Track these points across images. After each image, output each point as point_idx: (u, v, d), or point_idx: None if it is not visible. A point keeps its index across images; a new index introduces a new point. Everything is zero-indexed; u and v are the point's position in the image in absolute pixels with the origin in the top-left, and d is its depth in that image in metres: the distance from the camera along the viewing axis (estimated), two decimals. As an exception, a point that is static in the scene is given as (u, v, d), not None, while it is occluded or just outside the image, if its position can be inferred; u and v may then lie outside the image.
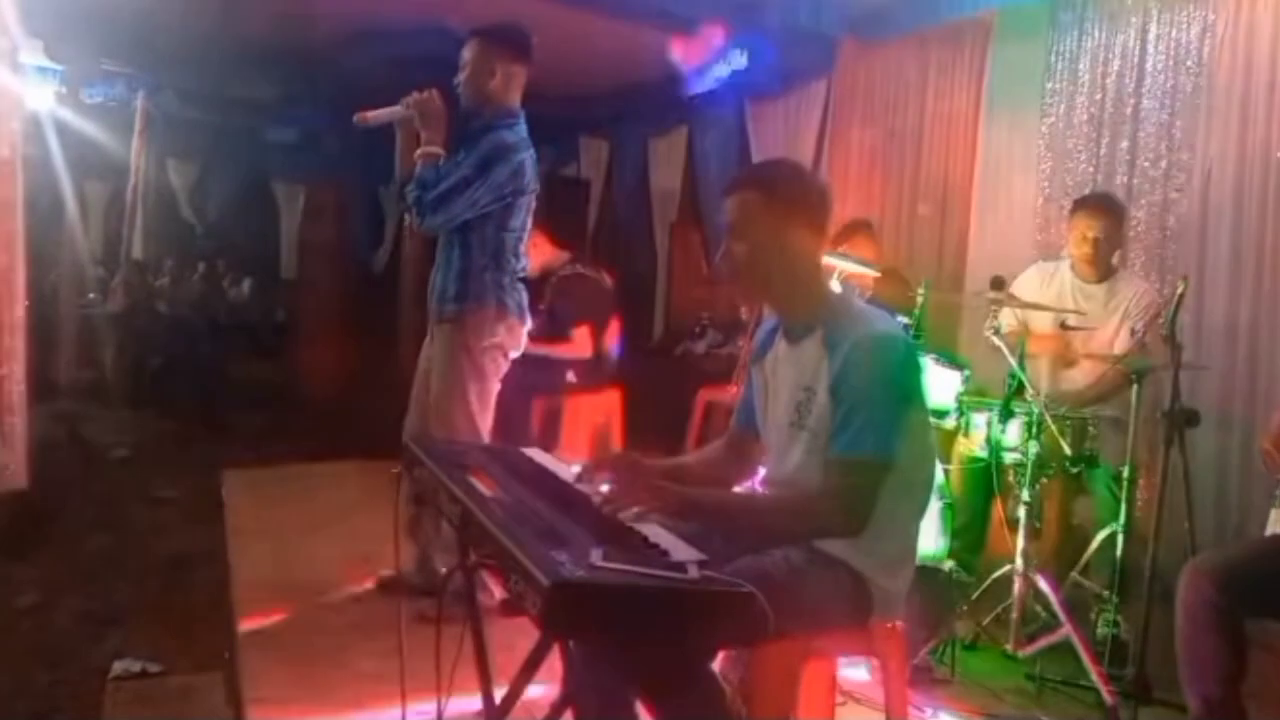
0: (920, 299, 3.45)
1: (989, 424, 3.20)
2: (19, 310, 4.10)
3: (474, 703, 1.97)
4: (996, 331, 3.18)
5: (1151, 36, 4.10)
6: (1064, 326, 3.37)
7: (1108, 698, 2.72)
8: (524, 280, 3.21)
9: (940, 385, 3.30)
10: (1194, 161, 3.91)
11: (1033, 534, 3.06)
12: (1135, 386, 2.92)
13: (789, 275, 1.90)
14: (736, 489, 2.21)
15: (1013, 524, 3.09)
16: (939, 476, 3.13)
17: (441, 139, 3.04)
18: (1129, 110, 4.18)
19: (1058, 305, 3.39)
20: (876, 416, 1.74)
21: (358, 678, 2.69)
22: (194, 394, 7.50)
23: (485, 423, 3.11)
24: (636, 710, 1.75)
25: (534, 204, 3.17)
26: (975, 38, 4.86)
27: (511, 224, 3.11)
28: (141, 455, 5.73)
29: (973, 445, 3.27)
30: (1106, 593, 3.09)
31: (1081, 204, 3.54)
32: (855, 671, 2.72)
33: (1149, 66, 4.11)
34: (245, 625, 3.08)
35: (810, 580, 1.75)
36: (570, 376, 4.49)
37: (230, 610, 3.23)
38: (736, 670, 1.77)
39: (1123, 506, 2.95)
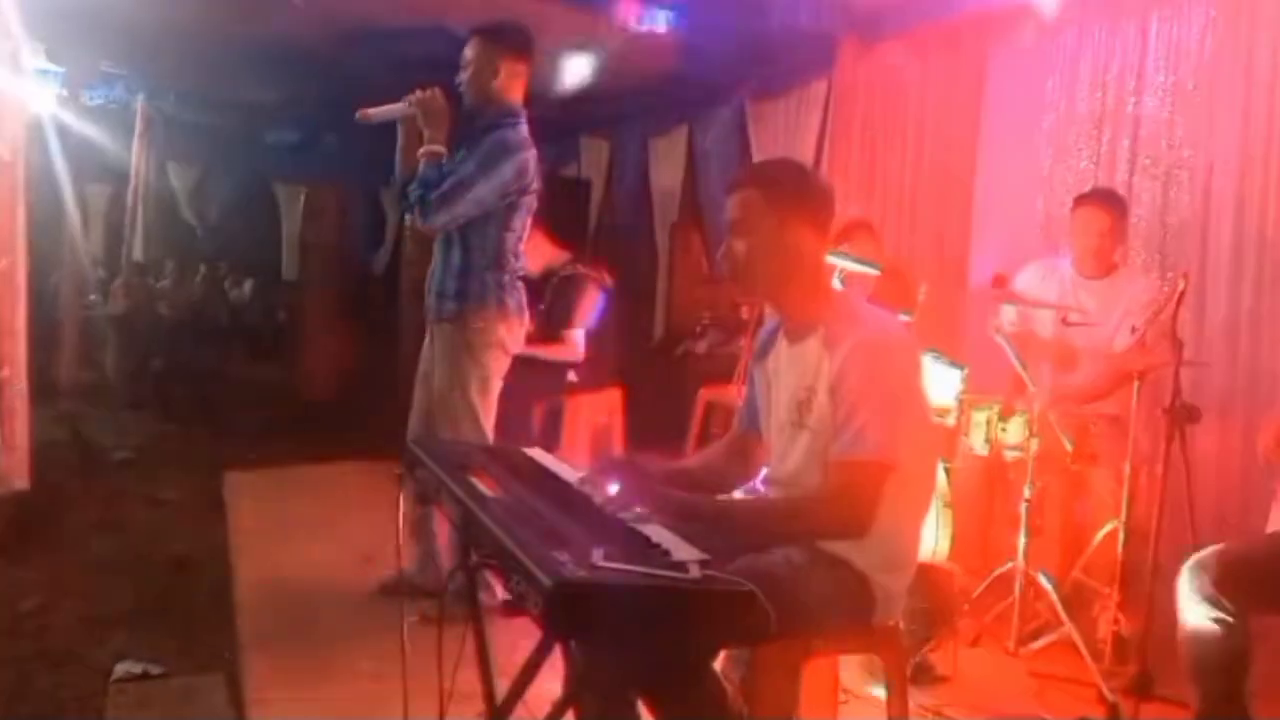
0: (921, 297, 3.46)
1: (989, 422, 3.20)
2: (20, 312, 4.11)
3: (476, 703, 1.98)
4: (999, 329, 3.19)
5: (1152, 33, 4.10)
6: (1065, 323, 3.37)
7: (1109, 695, 2.72)
8: (523, 279, 3.22)
9: (940, 384, 3.30)
10: (1195, 159, 3.91)
11: (1033, 532, 3.06)
12: (1136, 383, 2.92)
13: (790, 274, 1.90)
14: (738, 492, 2.21)
15: (1013, 522, 3.09)
16: (940, 476, 3.13)
17: (444, 137, 3.04)
18: (1129, 108, 4.18)
19: (1059, 303, 3.39)
20: (877, 418, 1.73)
21: (360, 678, 2.69)
22: (195, 395, 7.51)
23: (489, 420, 3.11)
24: (638, 710, 1.76)
25: (535, 204, 3.18)
26: (976, 36, 4.86)
27: (513, 223, 3.11)
28: (143, 457, 5.74)
29: (973, 444, 3.27)
30: (1108, 590, 3.09)
31: (1083, 200, 3.54)
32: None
33: (1149, 63, 4.10)
34: (247, 626, 3.09)
35: (812, 580, 1.76)
36: (571, 376, 4.50)
37: (232, 611, 3.24)
38: (738, 669, 1.77)
39: (1124, 503, 2.95)
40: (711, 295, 7.09)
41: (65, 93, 7.04)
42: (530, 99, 3.18)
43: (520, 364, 3.29)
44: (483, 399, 3.09)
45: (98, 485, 4.94)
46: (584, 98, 6.15)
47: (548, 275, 4.53)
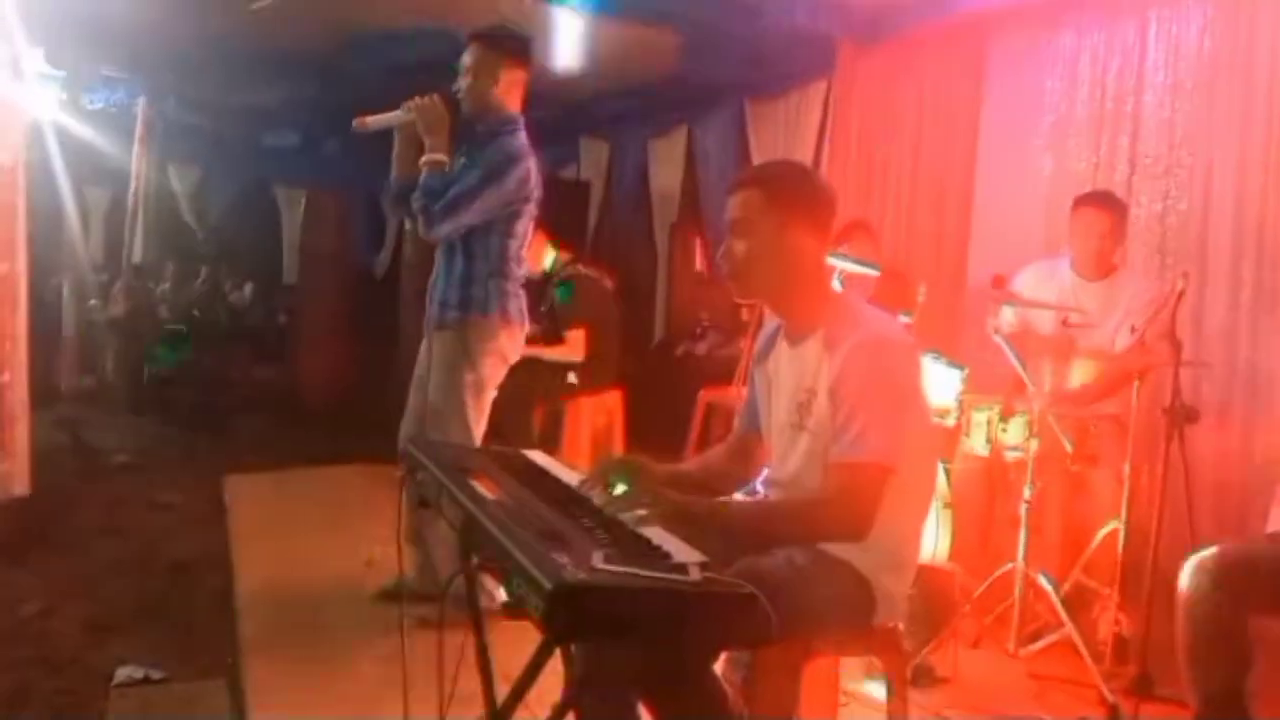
0: (920, 298, 3.46)
1: (989, 423, 3.20)
2: (21, 317, 4.11)
3: (476, 706, 1.98)
4: (998, 330, 3.19)
5: (1151, 33, 4.10)
6: (1065, 324, 3.37)
7: (1110, 696, 2.72)
8: (525, 284, 3.22)
9: (940, 384, 3.30)
10: (1195, 159, 3.91)
11: (1033, 532, 3.06)
12: (1136, 384, 2.93)
13: (790, 275, 1.89)
14: (739, 493, 2.21)
15: (1013, 523, 3.09)
16: (940, 476, 3.13)
17: (445, 145, 3.01)
18: (1129, 108, 4.18)
19: (1058, 303, 3.39)
20: (877, 420, 1.73)
21: (361, 682, 2.70)
22: (196, 399, 7.51)
23: (479, 429, 3.10)
24: (639, 712, 1.76)
25: (535, 210, 3.17)
26: (975, 37, 4.86)
27: (515, 230, 3.10)
28: (144, 461, 5.73)
29: (973, 444, 3.27)
30: (1108, 590, 3.09)
31: (1082, 202, 3.54)
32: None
33: (1149, 63, 4.11)
34: (248, 631, 3.09)
35: (812, 581, 1.75)
36: (571, 378, 4.50)
37: (233, 616, 3.24)
38: (738, 671, 1.77)
39: (1124, 504, 2.95)
40: (711, 297, 7.09)
41: (65, 96, 7.04)
42: (529, 101, 3.17)
43: (522, 365, 3.28)
44: (476, 407, 3.08)
45: (98, 490, 4.93)
46: (584, 99, 6.14)
47: (549, 277, 4.54)
